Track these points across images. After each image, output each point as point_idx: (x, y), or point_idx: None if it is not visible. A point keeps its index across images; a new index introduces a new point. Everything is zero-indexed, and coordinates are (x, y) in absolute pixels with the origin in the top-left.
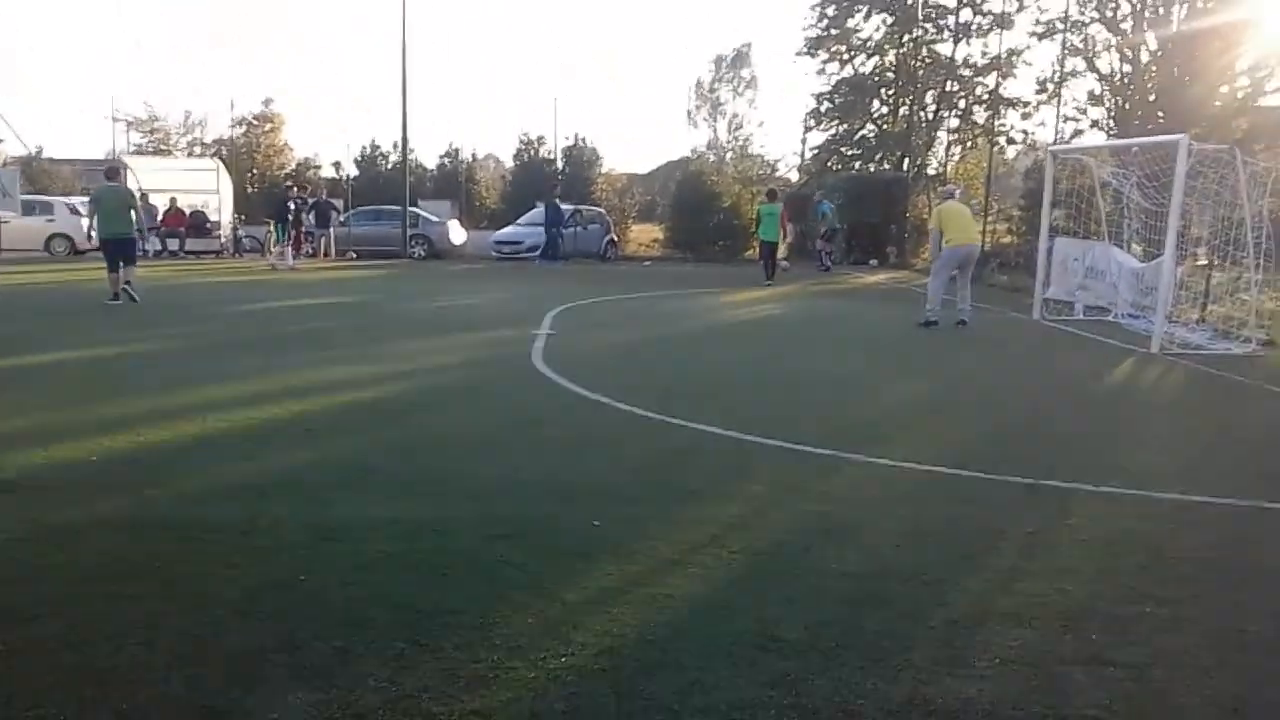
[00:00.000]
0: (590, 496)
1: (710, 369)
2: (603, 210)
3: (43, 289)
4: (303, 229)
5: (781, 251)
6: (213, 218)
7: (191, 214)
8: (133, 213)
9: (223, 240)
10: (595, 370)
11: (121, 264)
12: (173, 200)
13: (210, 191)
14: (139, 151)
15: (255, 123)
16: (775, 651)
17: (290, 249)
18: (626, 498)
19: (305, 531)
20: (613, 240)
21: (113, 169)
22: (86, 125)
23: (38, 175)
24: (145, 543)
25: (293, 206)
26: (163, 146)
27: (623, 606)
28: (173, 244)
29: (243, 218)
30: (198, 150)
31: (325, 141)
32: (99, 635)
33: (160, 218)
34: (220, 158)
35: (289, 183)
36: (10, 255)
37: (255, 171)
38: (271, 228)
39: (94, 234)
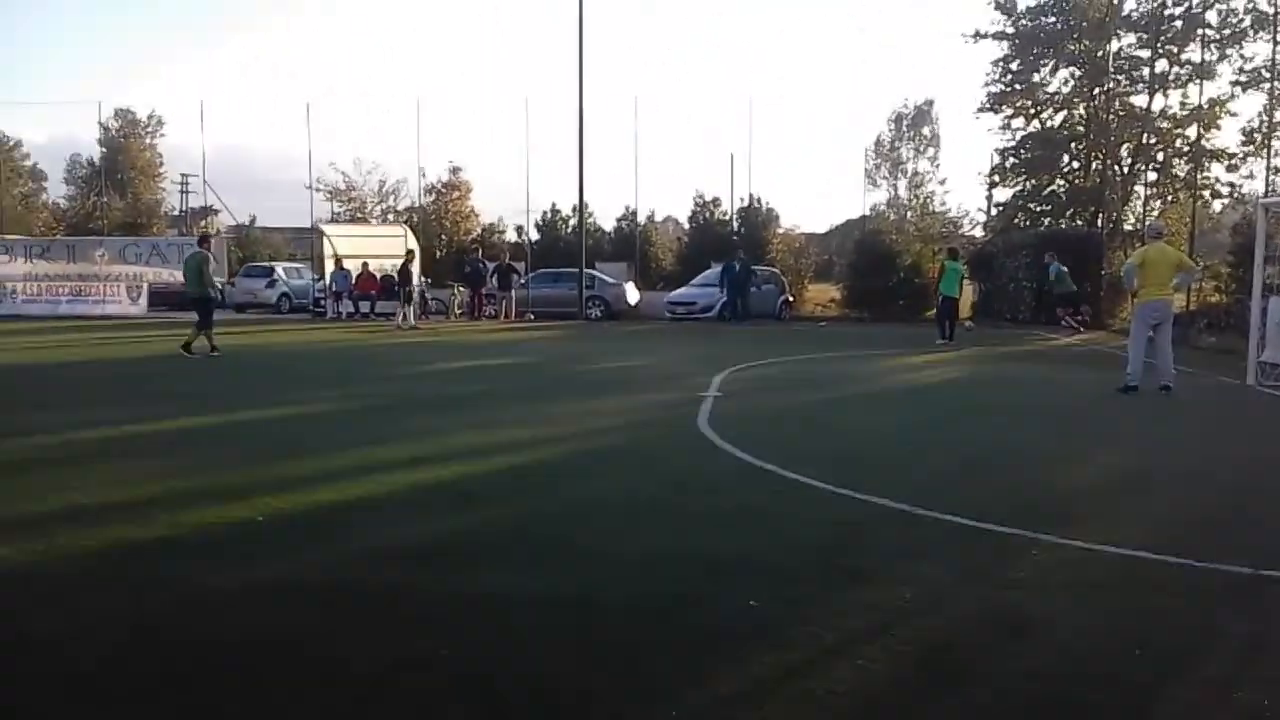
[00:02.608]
0: (748, 574)
1: (885, 436)
2: (777, 270)
3: (246, 349)
4: (484, 291)
5: (965, 311)
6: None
7: (383, 278)
8: (202, 275)
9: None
10: (762, 435)
11: (199, 321)
12: (365, 265)
13: (399, 256)
14: (334, 219)
15: (444, 190)
16: None
17: (410, 311)
18: (787, 576)
19: (451, 602)
20: (788, 300)
21: (204, 236)
22: (292, 195)
23: (251, 243)
24: (292, 611)
25: (468, 270)
26: (359, 214)
27: (777, 702)
28: (364, 306)
29: (429, 281)
30: (390, 217)
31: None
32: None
33: (354, 281)
34: (410, 224)
35: (474, 246)
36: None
37: (443, 236)
38: (455, 290)
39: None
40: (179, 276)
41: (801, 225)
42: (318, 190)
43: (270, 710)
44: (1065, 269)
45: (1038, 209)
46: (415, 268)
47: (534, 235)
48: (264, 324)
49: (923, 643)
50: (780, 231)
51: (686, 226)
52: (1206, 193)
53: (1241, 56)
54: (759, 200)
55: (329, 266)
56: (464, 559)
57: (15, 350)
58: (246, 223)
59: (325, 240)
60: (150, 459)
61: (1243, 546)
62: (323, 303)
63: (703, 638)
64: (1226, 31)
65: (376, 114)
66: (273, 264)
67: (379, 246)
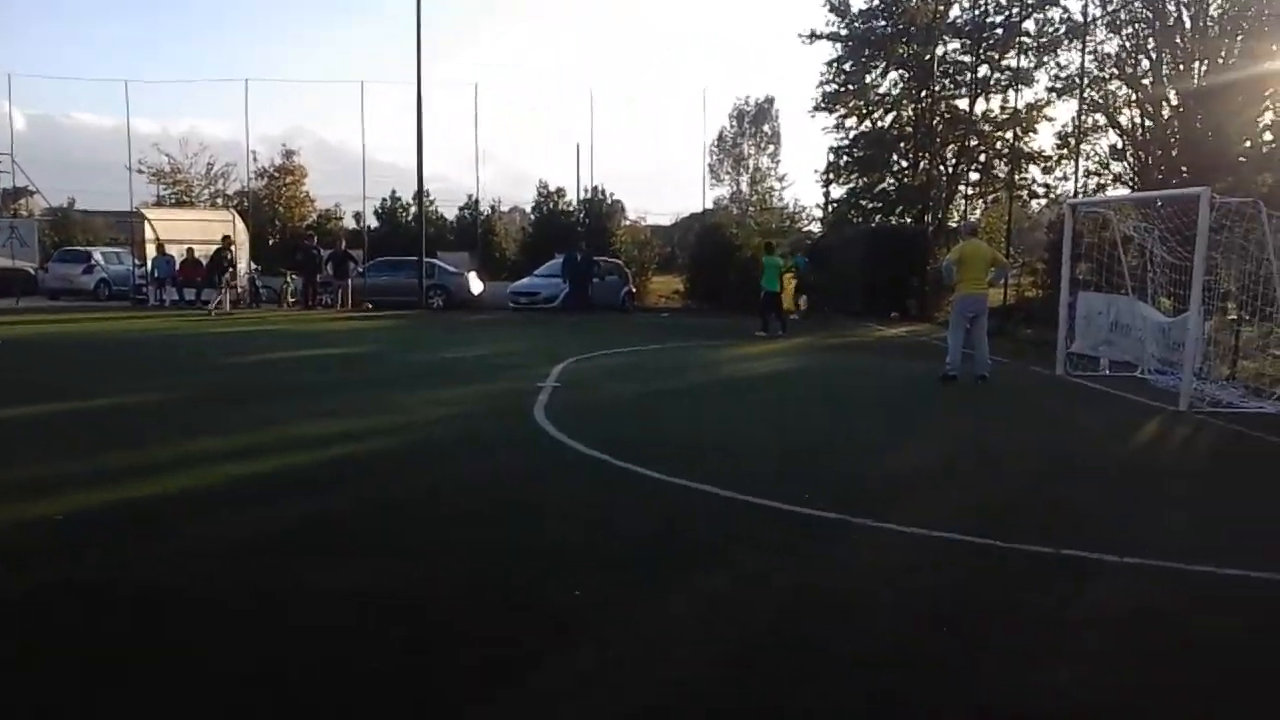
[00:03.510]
0: (577, 563)
1: (717, 425)
2: (620, 262)
3: (52, 337)
4: (319, 279)
5: (788, 303)
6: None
7: (207, 264)
8: None
9: (239, 290)
10: (597, 425)
11: None
12: (189, 251)
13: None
14: (159, 203)
15: (276, 174)
16: None
17: (225, 295)
18: (615, 564)
19: (265, 600)
20: (631, 291)
21: None
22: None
23: (71, 227)
24: (78, 612)
25: (300, 256)
26: (185, 198)
27: (599, 691)
28: (189, 293)
29: (259, 268)
30: (220, 201)
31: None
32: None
33: (178, 267)
34: (240, 209)
35: (308, 233)
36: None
37: (277, 222)
38: (288, 278)
39: None
40: None
41: (646, 217)
42: (140, 172)
43: (58, 709)
44: (806, 261)
45: (869, 206)
46: (238, 253)
47: (373, 222)
48: (80, 311)
49: (744, 626)
50: (625, 223)
51: (531, 216)
52: (1024, 193)
53: (1057, 64)
54: (604, 191)
55: (150, 252)
56: (287, 555)
57: None
58: (64, 205)
59: (147, 224)
60: None
61: (1045, 527)
62: (144, 289)
63: (527, 630)
64: (1043, 40)
65: (201, 91)
66: (90, 249)
67: (205, 231)
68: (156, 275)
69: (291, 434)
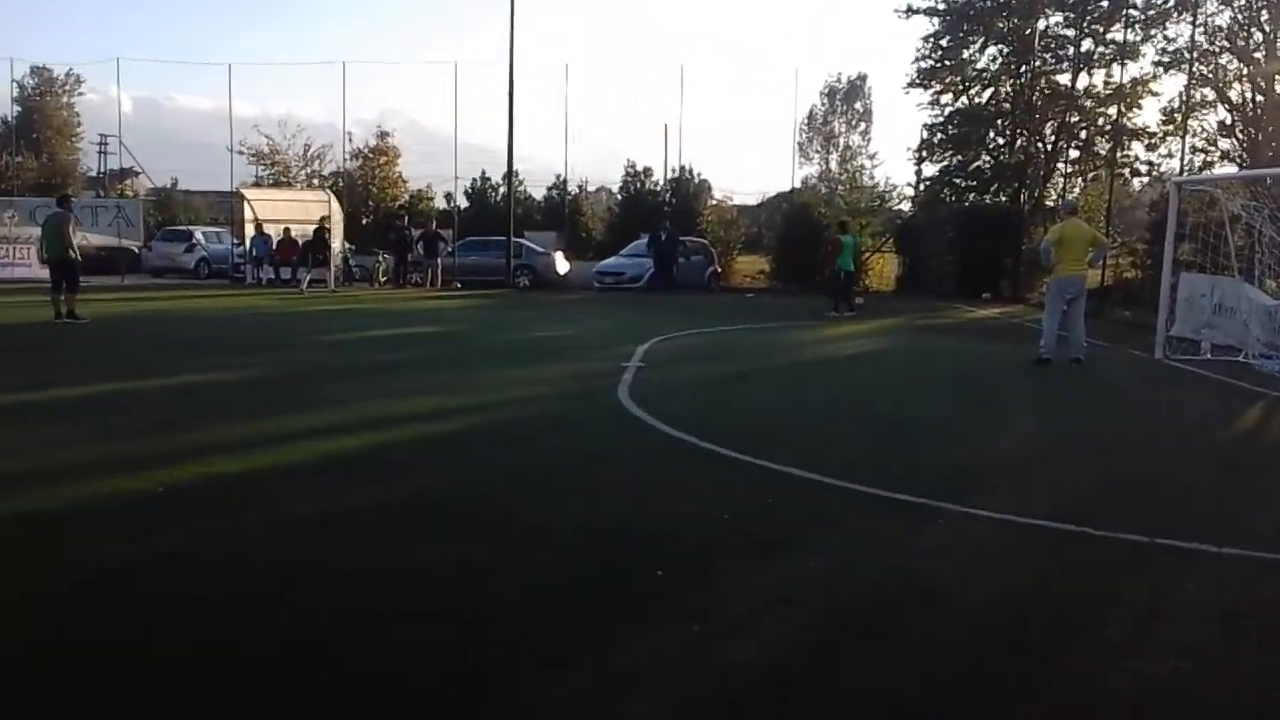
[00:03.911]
0: (661, 544)
1: (804, 407)
2: (706, 241)
3: (154, 313)
4: (410, 258)
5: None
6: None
7: (304, 243)
8: (63, 239)
9: (335, 269)
10: (681, 406)
11: (64, 285)
12: (286, 230)
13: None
14: (258, 183)
15: (370, 155)
16: None
17: (317, 274)
18: (699, 546)
19: (366, 576)
20: (717, 271)
21: (62, 198)
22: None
23: (173, 207)
24: (188, 585)
25: (393, 237)
26: (283, 179)
27: (679, 674)
28: (285, 272)
29: (353, 247)
30: (316, 182)
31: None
32: (116, 699)
33: (274, 247)
34: (335, 189)
35: (400, 213)
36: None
37: (370, 202)
38: (380, 257)
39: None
40: (91, 239)
41: (733, 197)
42: (240, 153)
43: (160, 686)
44: (856, 240)
45: (963, 184)
46: (336, 234)
47: (463, 203)
48: (181, 289)
49: (829, 612)
50: (712, 203)
51: (618, 197)
52: (1126, 171)
53: (1165, 38)
54: (691, 171)
55: (249, 231)
56: (377, 531)
57: None
58: (167, 185)
59: (246, 204)
60: (38, 428)
61: (1141, 516)
62: (242, 268)
63: (612, 609)
64: (1151, 12)
65: (301, 76)
66: (191, 228)
67: (302, 211)
68: (254, 254)
69: (382, 411)
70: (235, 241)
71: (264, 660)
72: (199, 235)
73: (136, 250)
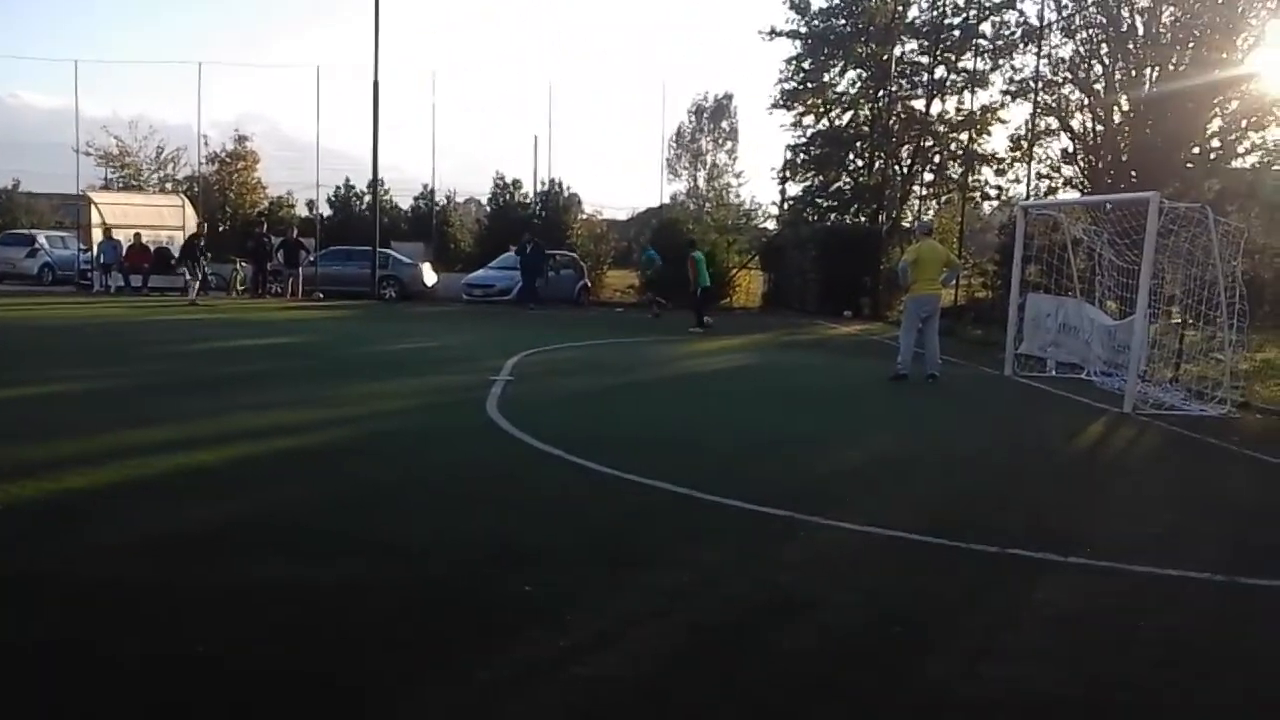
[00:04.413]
0: (528, 559)
1: (670, 421)
2: (576, 255)
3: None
4: (269, 267)
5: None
6: (176, 254)
7: (156, 250)
8: None
9: (186, 277)
10: (549, 420)
11: None
12: (137, 236)
13: (175, 228)
14: (107, 186)
15: (228, 159)
16: None
17: (195, 283)
18: (566, 561)
19: (214, 592)
20: (586, 286)
21: None
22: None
23: (14, 209)
24: (46, 603)
25: (251, 245)
26: (134, 182)
27: (548, 686)
28: (136, 280)
29: (209, 255)
30: (169, 186)
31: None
32: None
33: (125, 253)
34: (190, 194)
35: (259, 220)
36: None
37: (227, 209)
38: (238, 266)
39: None
40: None
41: (603, 211)
42: (88, 155)
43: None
44: (656, 253)
45: (825, 204)
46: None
47: (326, 211)
48: (23, 296)
49: (693, 625)
50: (582, 217)
51: (487, 209)
52: (977, 194)
53: (1012, 67)
54: (560, 184)
55: (97, 236)
56: (236, 549)
57: None
58: (8, 186)
59: (93, 208)
60: None
61: (994, 527)
62: (90, 275)
63: (475, 623)
64: (999, 43)
65: (155, 76)
66: (34, 232)
67: (154, 217)
68: (102, 260)
69: (239, 424)
70: (82, 247)
71: (95, 686)
72: (42, 239)
73: None
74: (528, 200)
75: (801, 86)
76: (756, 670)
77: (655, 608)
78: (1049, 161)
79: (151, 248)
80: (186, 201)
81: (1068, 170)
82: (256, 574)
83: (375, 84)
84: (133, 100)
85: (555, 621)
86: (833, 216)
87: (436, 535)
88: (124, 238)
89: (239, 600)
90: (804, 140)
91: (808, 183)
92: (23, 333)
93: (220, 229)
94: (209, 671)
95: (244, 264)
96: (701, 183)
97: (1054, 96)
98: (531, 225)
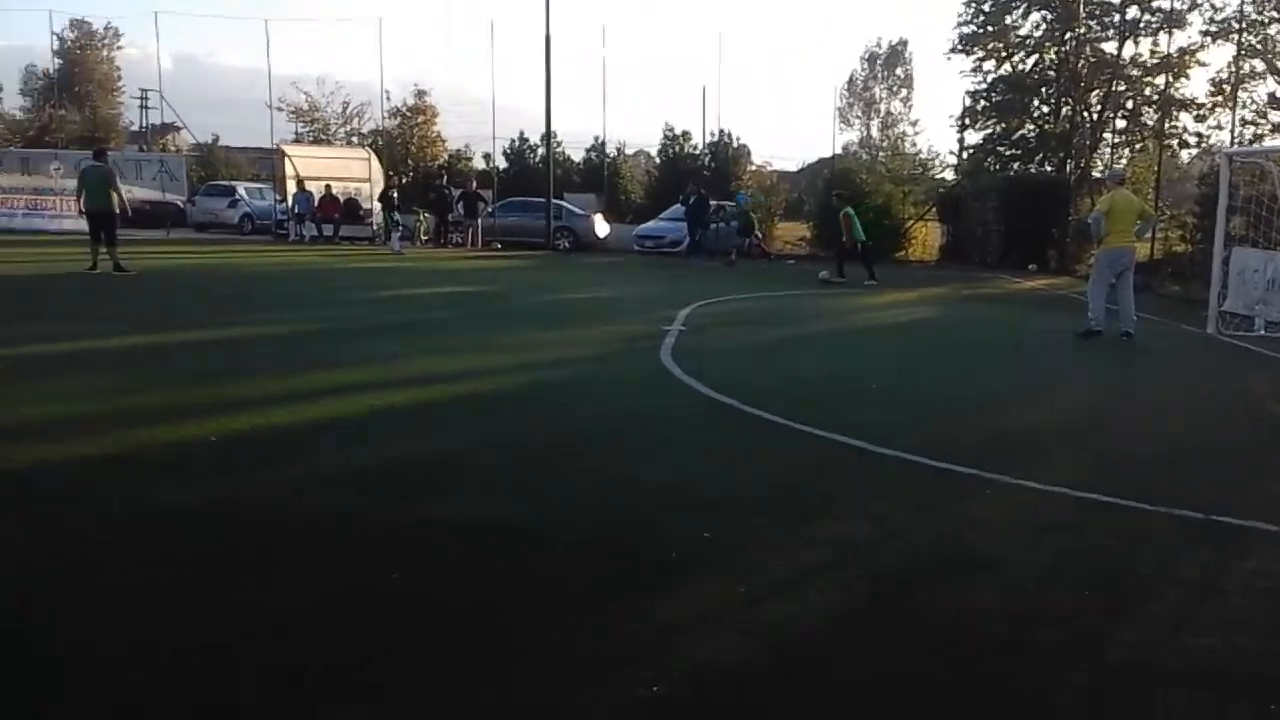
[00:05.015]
0: (703, 506)
1: (847, 374)
2: (746, 206)
3: (198, 268)
4: (450, 218)
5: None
6: (365, 205)
7: (345, 201)
8: (113, 192)
9: (374, 227)
10: (724, 370)
11: (104, 236)
12: (327, 187)
13: (362, 180)
14: (298, 140)
15: (408, 114)
16: (890, 700)
17: (398, 236)
18: (743, 509)
19: (403, 526)
20: (757, 237)
21: (100, 150)
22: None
23: (215, 162)
24: (243, 530)
25: (433, 196)
26: (321, 136)
27: (723, 631)
28: (327, 229)
29: (399, 206)
30: (355, 140)
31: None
32: (172, 622)
33: (315, 204)
34: (374, 147)
35: (440, 172)
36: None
37: (409, 161)
38: (421, 216)
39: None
40: (135, 193)
41: (773, 162)
42: (280, 110)
43: (218, 619)
44: (748, 199)
45: (1007, 153)
46: (374, 191)
47: (501, 163)
48: (225, 244)
49: (874, 578)
50: (751, 168)
51: (656, 160)
52: (1174, 142)
53: (1212, 6)
54: (730, 135)
55: (291, 188)
56: (415, 486)
57: None
58: (209, 141)
59: (287, 161)
60: (100, 376)
61: (1194, 491)
62: (285, 224)
63: (655, 567)
64: None
65: (339, 32)
66: (234, 184)
67: (342, 169)
68: (297, 210)
69: (425, 368)
70: (278, 198)
71: (308, 606)
72: (242, 191)
73: (181, 205)
74: (697, 151)
75: (981, 30)
76: (939, 624)
77: (834, 558)
78: (1254, 107)
79: (341, 199)
80: (373, 154)
81: (1276, 115)
82: (442, 511)
83: (547, 38)
84: (319, 58)
85: (734, 568)
86: (1015, 166)
87: (614, 480)
88: (315, 189)
89: (427, 535)
90: (984, 86)
91: (988, 131)
92: (228, 279)
93: (403, 181)
94: (402, 596)
95: (426, 215)
96: (875, 132)
97: (1259, 37)
98: (699, 176)
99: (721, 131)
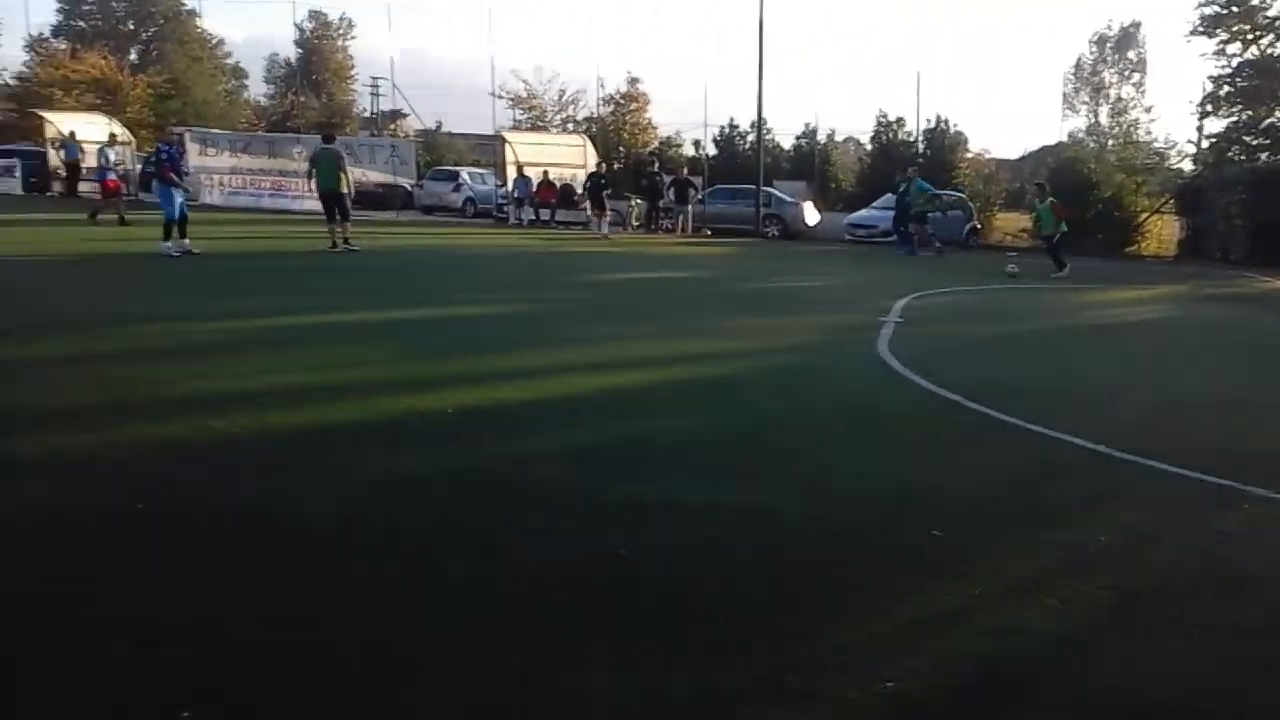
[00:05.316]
0: (932, 504)
1: (1077, 373)
2: (964, 196)
3: (425, 248)
4: (661, 204)
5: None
6: (580, 191)
7: (561, 187)
8: (341, 174)
9: (588, 213)
10: (946, 365)
11: (338, 216)
12: (545, 173)
13: (578, 166)
14: (516, 126)
15: (621, 101)
16: (1142, 717)
17: (604, 219)
18: (973, 510)
19: (628, 505)
20: (975, 228)
21: (328, 135)
22: (472, 101)
23: (439, 148)
24: (479, 497)
25: (645, 183)
26: (539, 123)
27: (962, 632)
28: (544, 214)
29: (609, 192)
30: (570, 127)
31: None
32: (411, 586)
33: (534, 189)
34: (589, 134)
35: (651, 159)
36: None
37: (620, 148)
38: (632, 202)
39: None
40: (370, 176)
41: (991, 150)
42: (500, 98)
43: (460, 582)
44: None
45: (1254, 142)
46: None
47: (711, 150)
48: (450, 226)
49: (1119, 588)
50: (968, 155)
51: (868, 147)
52: None
53: None
54: (946, 121)
55: (511, 173)
56: (641, 465)
57: (232, 239)
58: (432, 127)
59: (508, 147)
60: (343, 347)
61: None
62: (505, 208)
63: (885, 563)
64: None
65: (557, 22)
66: (458, 168)
67: (558, 155)
68: (516, 195)
69: (643, 352)
70: (498, 183)
71: (553, 563)
72: (465, 176)
73: (409, 188)
74: (910, 138)
75: (1226, 10)
76: (1190, 643)
77: (1075, 565)
78: None
79: (556, 184)
80: (588, 141)
81: None
82: (666, 492)
83: (760, 23)
84: (535, 47)
85: (967, 569)
86: (1264, 156)
87: (833, 471)
88: (533, 174)
89: (652, 514)
90: (1228, 71)
91: (1233, 118)
92: (453, 259)
93: (615, 167)
94: (631, 575)
95: (638, 200)
96: (1104, 119)
97: None
98: (914, 163)
99: (938, 117)
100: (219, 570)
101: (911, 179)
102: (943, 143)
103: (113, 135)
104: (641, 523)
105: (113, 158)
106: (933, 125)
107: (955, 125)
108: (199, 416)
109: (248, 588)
